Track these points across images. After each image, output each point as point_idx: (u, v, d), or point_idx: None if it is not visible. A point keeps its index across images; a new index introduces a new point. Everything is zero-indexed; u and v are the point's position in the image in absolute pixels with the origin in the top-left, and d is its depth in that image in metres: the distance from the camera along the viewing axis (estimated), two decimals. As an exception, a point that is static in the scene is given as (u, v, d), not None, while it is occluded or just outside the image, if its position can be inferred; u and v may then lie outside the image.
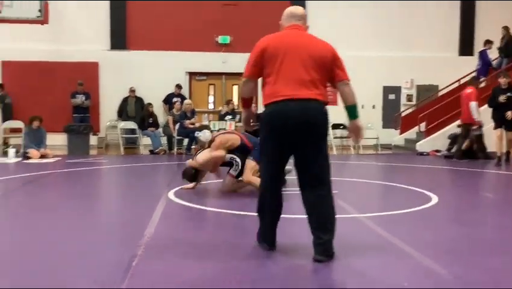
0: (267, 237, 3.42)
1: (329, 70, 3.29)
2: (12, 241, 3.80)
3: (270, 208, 3.37)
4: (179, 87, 13.20)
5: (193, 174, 5.71)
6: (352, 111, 3.39)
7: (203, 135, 5.59)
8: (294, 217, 4.16)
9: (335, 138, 12.73)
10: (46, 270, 3.08)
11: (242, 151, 5.61)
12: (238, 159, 5.55)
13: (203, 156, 5.65)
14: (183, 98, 12.92)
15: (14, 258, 3.33)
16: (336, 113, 14.62)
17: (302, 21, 3.45)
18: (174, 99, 12.83)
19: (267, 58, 3.25)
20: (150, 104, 12.33)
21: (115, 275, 2.89)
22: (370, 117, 13.83)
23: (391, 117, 14.07)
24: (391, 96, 14.45)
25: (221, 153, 5.50)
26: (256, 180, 5.08)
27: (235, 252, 3.46)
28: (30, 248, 3.56)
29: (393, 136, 13.81)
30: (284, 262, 3.25)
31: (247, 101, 3.50)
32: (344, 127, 12.76)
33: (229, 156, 5.56)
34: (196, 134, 5.41)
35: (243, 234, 4.06)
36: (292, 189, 6.37)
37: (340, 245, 3.71)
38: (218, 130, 11.65)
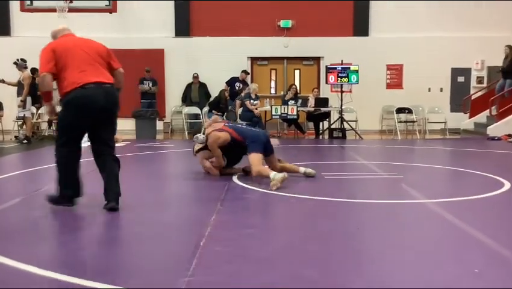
0: (72, 187, 4.12)
1: (106, 60, 4.24)
2: (91, 218, 4.04)
3: (70, 160, 4.14)
4: (246, 72, 13.27)
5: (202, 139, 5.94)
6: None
7: (199, 138, 5.94)
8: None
9: (399, 122, 12.42)
10: (116, 246, 3.26)
11: (235, 145, 5.87)
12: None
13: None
14: (245, 84, 13.03)
15: (85, 233, 3.55)
16: (401, 97, 14.35)
17: (69, 31, 4.37)
18: (237, 84, 12.98)
19: (57, 57, 4.03)
20: (224, 90, 12.29)
21: (185, 254, 3.01)
22: (437, 100, 13.38)
23: (459, 100, 13.51)
24: (460, 78, 13.85)
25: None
26: (265, 171, 5.48)
27: (294, 231, 3.51)
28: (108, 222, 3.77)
29: (461, 121, 13.29)
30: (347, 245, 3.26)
31: (49, 94, 4.14)
32: (409, 111, 12.44)
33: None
34: (193, 138, 5.94)
35: (306, 216, 4.10)
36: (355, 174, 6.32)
37: (406, 231, 3.67)
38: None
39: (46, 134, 12.00)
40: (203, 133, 6.03)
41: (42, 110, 12.09)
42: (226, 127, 5.97)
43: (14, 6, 13.56)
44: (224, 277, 2.66)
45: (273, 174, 5.30)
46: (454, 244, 3.33)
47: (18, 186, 5.75)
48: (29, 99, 10.57)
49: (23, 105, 10.46)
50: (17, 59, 10.58)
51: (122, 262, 2.89)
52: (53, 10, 12.54)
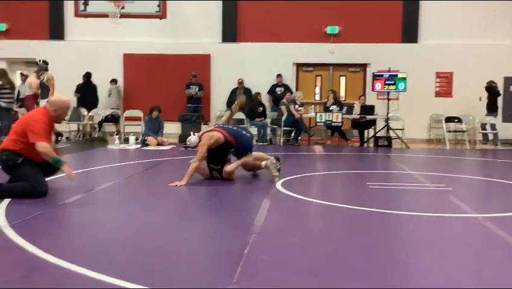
0: None
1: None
2: (138, 222, 4.13)
3: None
4: (279, 76, 13.32)
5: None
6: (55, 163, 4.87)
7: (192, 139, 6.07)
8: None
9: (448, 131, 12.08)
10: (162, 252, 3.31)
11: (227, 147, 5.98)
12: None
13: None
14: (286, 87, 13.04)
15: (131, 238, 3.62)
16: (450, 105, 13.96)
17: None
18: (277, 89, 13.06)
19: None
20: (258, 93, 12.55)
21: (230, 261, 3.02)
22: (488, 110, 12.94)
23: (512, 110, 13.04)
24: (514, 88, 13.37)
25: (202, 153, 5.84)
26: (265, 157, 6.21)
27: (338, 241, 3.47)
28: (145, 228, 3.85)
29: (514, 131, 12.80)
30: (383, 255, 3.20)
31: None
32: (459, 120, 12.08)
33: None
34: (187, 141, 6.19)
35: (351, 226, 4.05)
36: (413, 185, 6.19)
37: (455, 246, 3.56)
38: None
39: (96, 136, 12.38)
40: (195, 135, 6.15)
41: (92, 112, 12.50)
42: (218, 128, 6.12)
43: (69, 12, 14.10)
44: (268, 286, 2.66)
45: (264, 163, 6.01)
46: (506, 261, 3.21)
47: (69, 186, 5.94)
48: None
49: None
50: (39, 60, 10.26)
51: (167, 267, 2.93)
52: (106, 16, 13.01)
